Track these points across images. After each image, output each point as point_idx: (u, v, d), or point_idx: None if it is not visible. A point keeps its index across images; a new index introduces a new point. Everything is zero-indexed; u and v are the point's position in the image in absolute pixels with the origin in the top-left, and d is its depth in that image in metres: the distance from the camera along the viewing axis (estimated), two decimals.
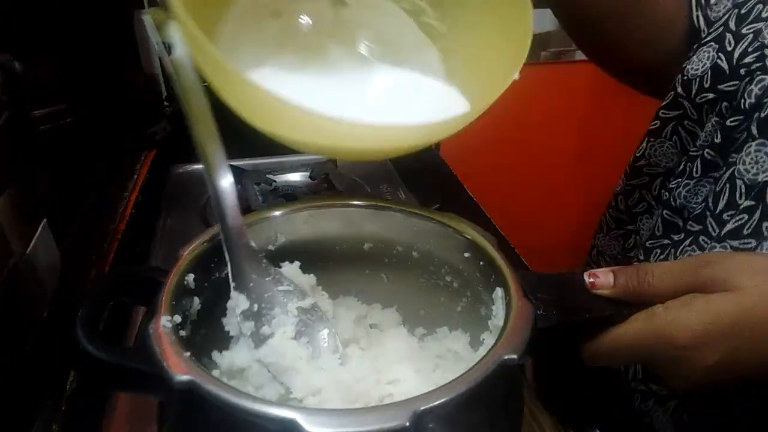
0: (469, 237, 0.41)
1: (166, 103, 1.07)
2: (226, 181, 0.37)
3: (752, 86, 0.50)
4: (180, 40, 0.36)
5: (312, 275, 0.43)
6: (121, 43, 0.97)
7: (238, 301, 0.37)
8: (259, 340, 0.37)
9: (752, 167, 0.49)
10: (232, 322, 0.38)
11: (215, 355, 0.37)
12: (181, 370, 0.29)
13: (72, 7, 0.80)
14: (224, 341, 0.39)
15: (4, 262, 0.46)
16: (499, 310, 0.37)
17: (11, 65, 0.69)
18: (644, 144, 0.65)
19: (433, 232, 0.43)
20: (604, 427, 0.63)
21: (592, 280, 0.36)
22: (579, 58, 1.72)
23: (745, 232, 0.50)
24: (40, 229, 0.53)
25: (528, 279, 0.37)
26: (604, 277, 0.36)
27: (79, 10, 0.78)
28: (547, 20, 1.64)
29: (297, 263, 0.42)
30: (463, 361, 0.41)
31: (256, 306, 0.38)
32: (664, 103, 0.62)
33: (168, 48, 0.36)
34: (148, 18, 0.36)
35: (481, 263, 0.40)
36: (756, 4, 0.52)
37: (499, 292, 0.37)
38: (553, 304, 0.35)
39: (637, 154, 0.66)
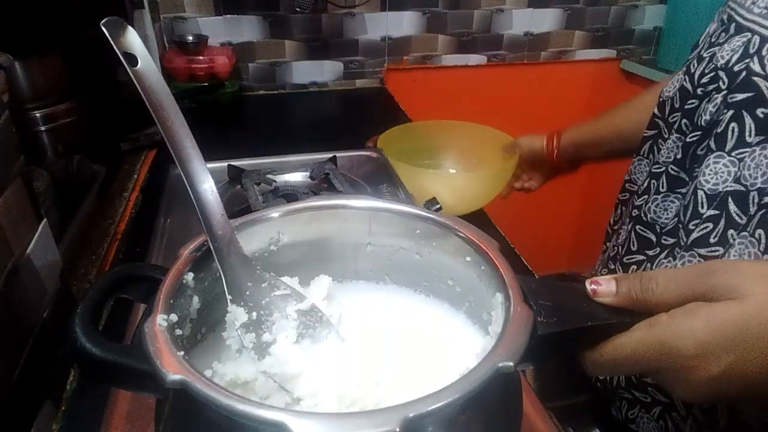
0: (470, 240, 0.40)
1: None
2: (207, 189, 0.35)
3: (708, 104, 0.55)
4: (143, 50, 0.34)
5: (327, 276, 0.43)
6: None
7: (236, 315, 0.37)
8: (261, 350, 0.37)
9: (712, 178, 0.53)
10: (232, 336, 0.38)
11: (216, 365, 0.37)
12: (173, 369, 0.29)
13: (71, 7, 0.80)
14: (225, 350, 0.39)
15: (4, 262, 0.46)
16: (498, 315, 0.36)
17: (11, 65, 0.69)
18: (632, 160, 0.70)
19: (435, 234, 0.43)
20: (604, 428, 0.64)
21: (593, 287, 0.36)
22: (579, 58, 1.73)
23: (711, 240, 0.52)
24: (40, 229, 0.53)
25: (529, 284, 0.36)
26: (606, 284, 0.35)
27: (78, 10, 0.78)
28: (547, 20, 1.65)
29: (296, 278, 0.42)
30: (464, 366, 0.40)
31: (254, 314, 0.37)
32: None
33: (129, 58, 0.34)
34: (105, 29, 0.33)
35: (483, 267, 0.39)
36: (720, 31, 0.57)
37: (499, 297, 0.36)
38: (553, 311, 0.34)
39: (628, 170, 0.71)
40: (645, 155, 0.67)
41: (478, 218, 0.94)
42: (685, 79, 0.60)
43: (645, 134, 0.66)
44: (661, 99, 0.63)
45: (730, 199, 0.51)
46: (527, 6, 1.60)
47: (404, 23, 1.54)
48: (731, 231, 0.51)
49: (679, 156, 0.58)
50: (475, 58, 1.65)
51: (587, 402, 0.67)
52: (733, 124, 0.52)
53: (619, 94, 1.86)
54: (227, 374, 0.36)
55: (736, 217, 0.51)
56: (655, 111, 0.64)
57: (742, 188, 0.51)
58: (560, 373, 0.64)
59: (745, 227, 0.50)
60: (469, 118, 1.08)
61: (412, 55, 1.60)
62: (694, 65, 0.59)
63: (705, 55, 0.58)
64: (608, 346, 0.35)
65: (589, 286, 0.36)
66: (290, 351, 0.37)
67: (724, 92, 0.53)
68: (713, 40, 0.58)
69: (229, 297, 0.37)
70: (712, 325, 0.32)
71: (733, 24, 0.55)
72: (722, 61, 0.54)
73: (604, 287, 0.35)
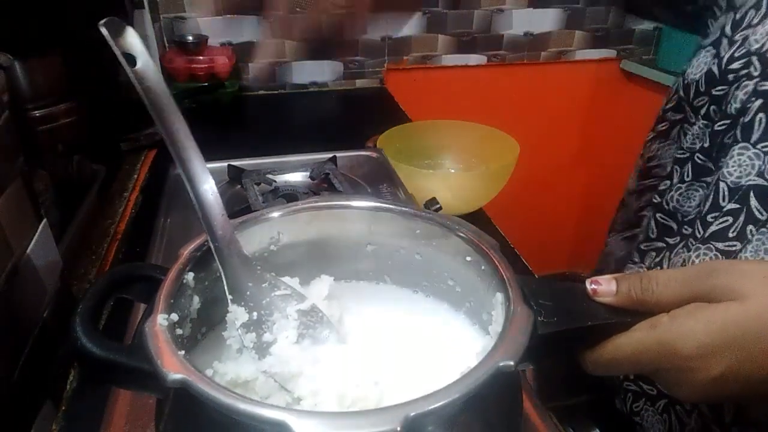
0: (470, 240, 0.40)
1: None
2: (208, 189, 0.36)
3: (738, 91, 0.52)
4: (142, 50, 0.34)
5: (328, 276, 0.43)
6: None
7: (237, 314, 0.37)
8: (262, 350, 0.37)
9: (735, 170, 0.51)
10: (233, 336, 0.38)
11: (217, 365, 0.37)
12: (174, 369, 0.29)
13: (71, 7, 0.80)
14: (225, 349, 0.39)
15: (4, 262, 0.46)
16: (498, 315, 0.36)
17: (11, 65, 0.69)
18: (656, 145, 0.66)
19: (435, 234, 0.43)
20: (604, 427, 0.63)
21: (594, 287, 0.35)
22: (579, 58, 1.73)
23: (729, 234, 0.50)
24: (40, 229, 0.53)
25: (529, 284, 0.36)
26: (606, 284, 0.35)
27: (78, 10, 0.78)
28: (547, 20, 1.65)
29: (297, 278, 0.42)
30: (465, 366, 0.40)
31: (255, 314, 0.37)
32: (670, 105, 0.63)
33: (128, 59, 0.34)
34: (104, 29, 0.34)
35: (483, 267, 0.39)
36: (749, 9, 0.53)
37: (499, 297, 0.36)
38: (554, 311, 0.34)
39: (650, 155, 0.66)
40: (675, 140, 0.63)
41: (478, 218, 0.94)
42: (713, 63, 0.56)
43: (673, 117, 0.63)
44: (685, 81, 0.60)
45: (751, 194, 0.50)
46: (527, 6, 1.60)
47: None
48: (750, 227, 0.49)
49: (706, 144, 0.56)
50: (475, 58, 1.65)
51: (587, 402, 0.67)
52: (760, 115, 0.50)
53: (619, 94, 1.86)
54: (228, 374, 0.36)
55: (757, 213, 0.49)
56: (680, 93, 0.61)
57: (766, 183, 0.49)
58: (560, 373, 0.64)
59: (765, 223, 0.49)
60: (469, 118, 1.08)
61: (412, 55, 1.60)
62: (724, 48, 0.55)
63: (737, 38, 0.54)
64: (609, 346, 0.35)
65: (589, 285, 0.35)
66: (291, 351, 0.37)
67: (756, 79, 0.51)
68: (738, 17, 0.54)
69: (229, 297, 0.37)
70: (714, 326, 0.32)
71: (765, 2, 0.52)
72: (756, 46, 0.51)
73: (604, 287, 0.35)
